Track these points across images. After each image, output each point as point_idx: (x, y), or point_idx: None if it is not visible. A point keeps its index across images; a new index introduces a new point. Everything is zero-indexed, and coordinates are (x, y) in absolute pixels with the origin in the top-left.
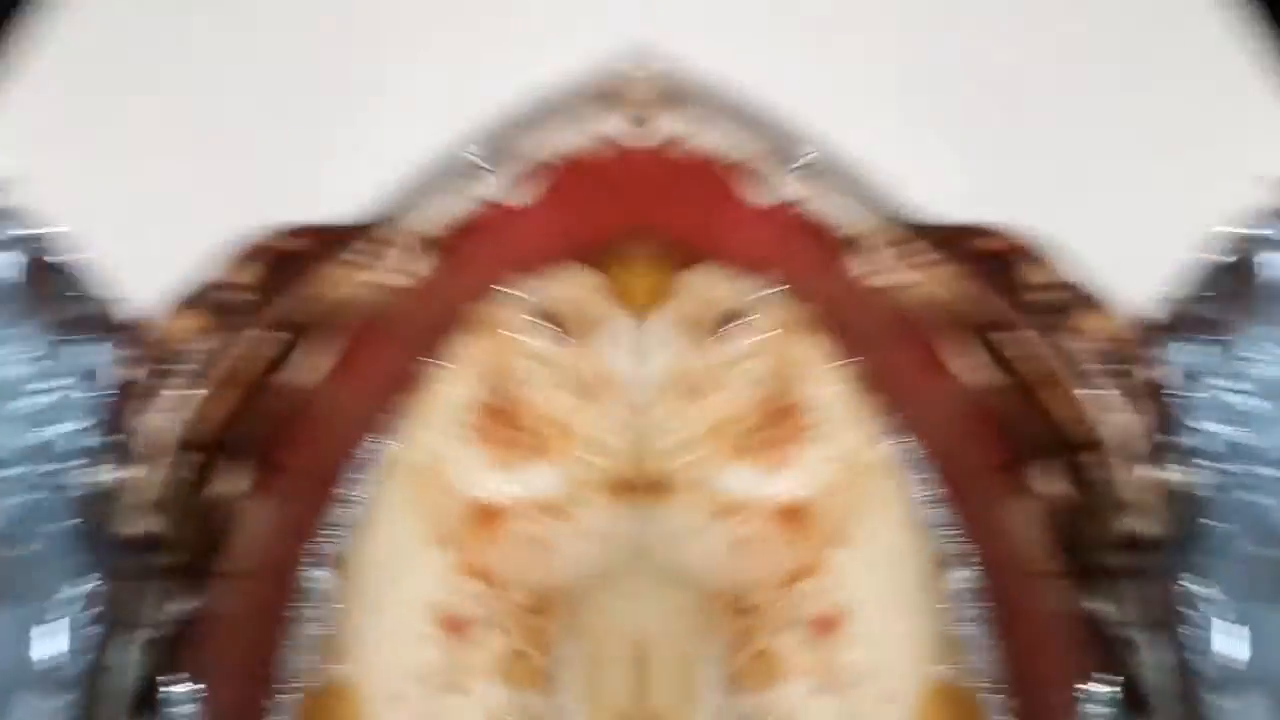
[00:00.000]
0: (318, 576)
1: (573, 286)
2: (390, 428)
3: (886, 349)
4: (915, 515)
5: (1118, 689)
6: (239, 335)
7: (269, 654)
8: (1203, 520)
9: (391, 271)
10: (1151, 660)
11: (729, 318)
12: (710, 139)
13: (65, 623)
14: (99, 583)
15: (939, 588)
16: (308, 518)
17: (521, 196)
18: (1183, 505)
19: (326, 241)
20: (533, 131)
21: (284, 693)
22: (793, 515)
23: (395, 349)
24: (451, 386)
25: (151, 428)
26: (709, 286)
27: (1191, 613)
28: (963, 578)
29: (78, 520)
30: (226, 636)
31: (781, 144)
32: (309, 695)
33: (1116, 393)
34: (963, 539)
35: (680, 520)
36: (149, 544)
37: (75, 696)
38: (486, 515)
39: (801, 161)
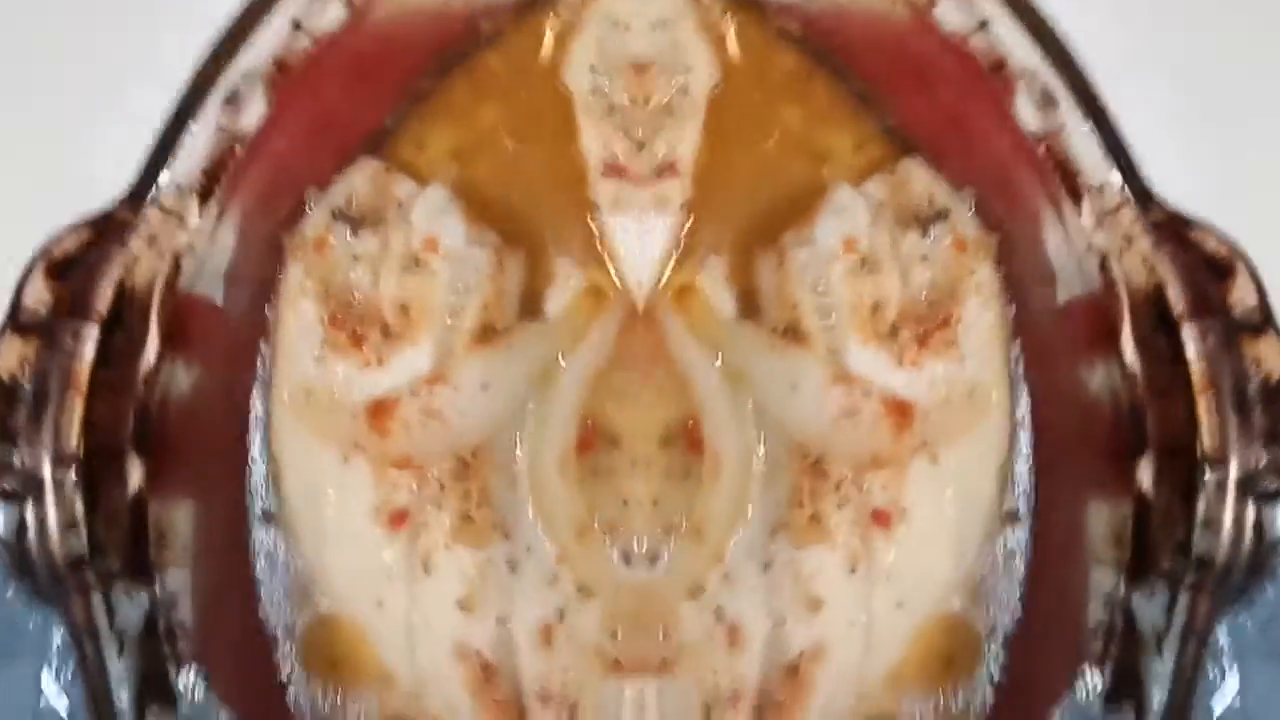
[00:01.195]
0: (260, 538)
1: (364, 177)
2: (254, 380)
3: (1056, 308)
4: (1003, 467)
5: (1109, 681)
6: (67, 343)
7: (248, 620)
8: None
9: (187, 231)
10: (1163, 671)
11: (920, 213)
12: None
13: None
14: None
15: (993, 536)
16: (222, 494)
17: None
18: (1266, 551)
19: (111, 227)
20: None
21: (278, 648)
22: (899, 411)
23: (226, 310)
24: (296, 317)
25: (29, 459)
26: (915, 179)
27: (1219, 645)
28: (1018, 539)
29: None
30: (200, 619)
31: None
32: (302, 641)
33: (1253, 423)
34: (1036, 504)
35: (804, 373)
36: (77, 562)
37: None
38: (379, 412)
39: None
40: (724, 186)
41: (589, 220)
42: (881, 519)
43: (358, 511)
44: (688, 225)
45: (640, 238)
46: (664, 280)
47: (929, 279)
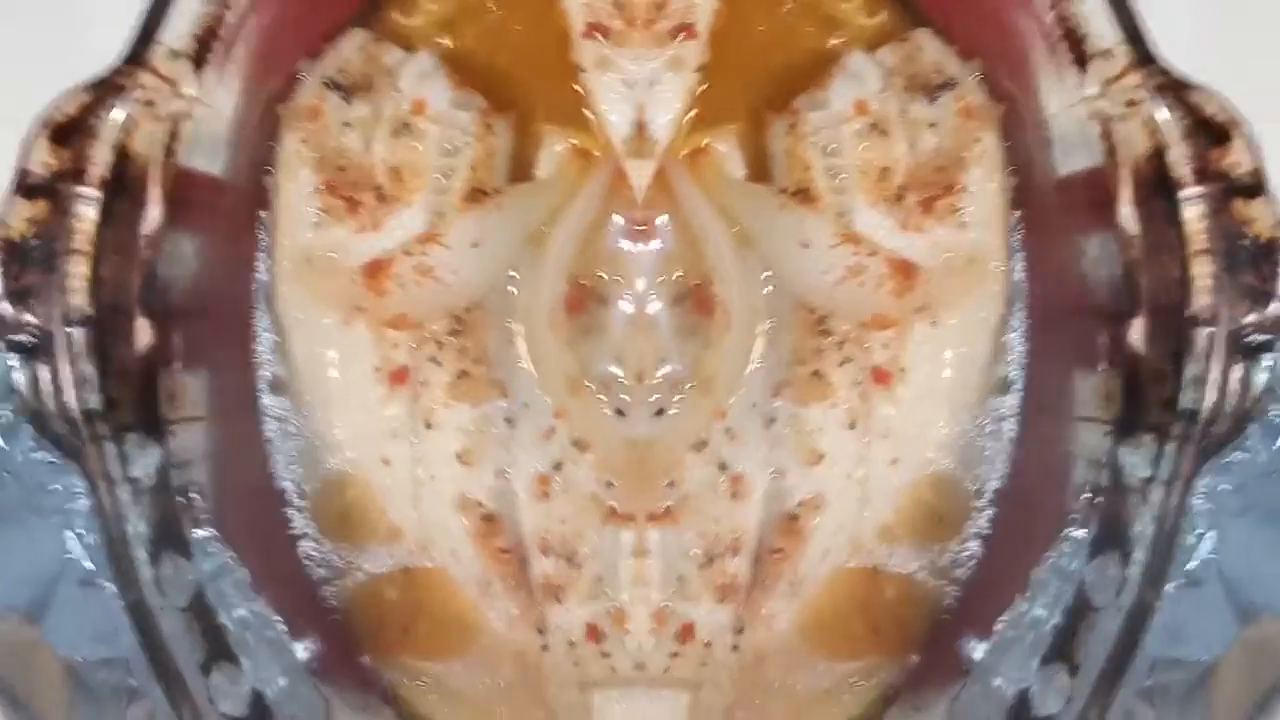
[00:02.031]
0: (269, 403)
1: (354, 46)
2: (256, 249)
3: (1056, 179)
4: (998, 333)
5: (1095, 534)
6: (71, 205)
7: (260, 481)
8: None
9: (183, 97)
10: (1148, 520)
11: (929, 81)
12: None
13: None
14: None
15: (985, 399)
16: (231, 361)
17: None
18: (1250, 403)
19: (108, 91)
20: None
21: (291, 505)
22: (903, 272)
23: (226, 181)
24: (294, 185)
25: (42, 316)
26: (925, 48)
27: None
28: (1009, 403)
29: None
30: (214, 481)
31: None
32: (313, 500)
33: (1241, 283)
34: (1030, 370)
35: (813, 233)
36: (90, 415)
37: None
38: (375, 272)
39: None
40: (740, 50)
41: (573, 82)
42: (881, 378)
43: (360, 372)
44: (703, 88)
45: (632, 98)
46: (677, 141)
47: (935, 145)
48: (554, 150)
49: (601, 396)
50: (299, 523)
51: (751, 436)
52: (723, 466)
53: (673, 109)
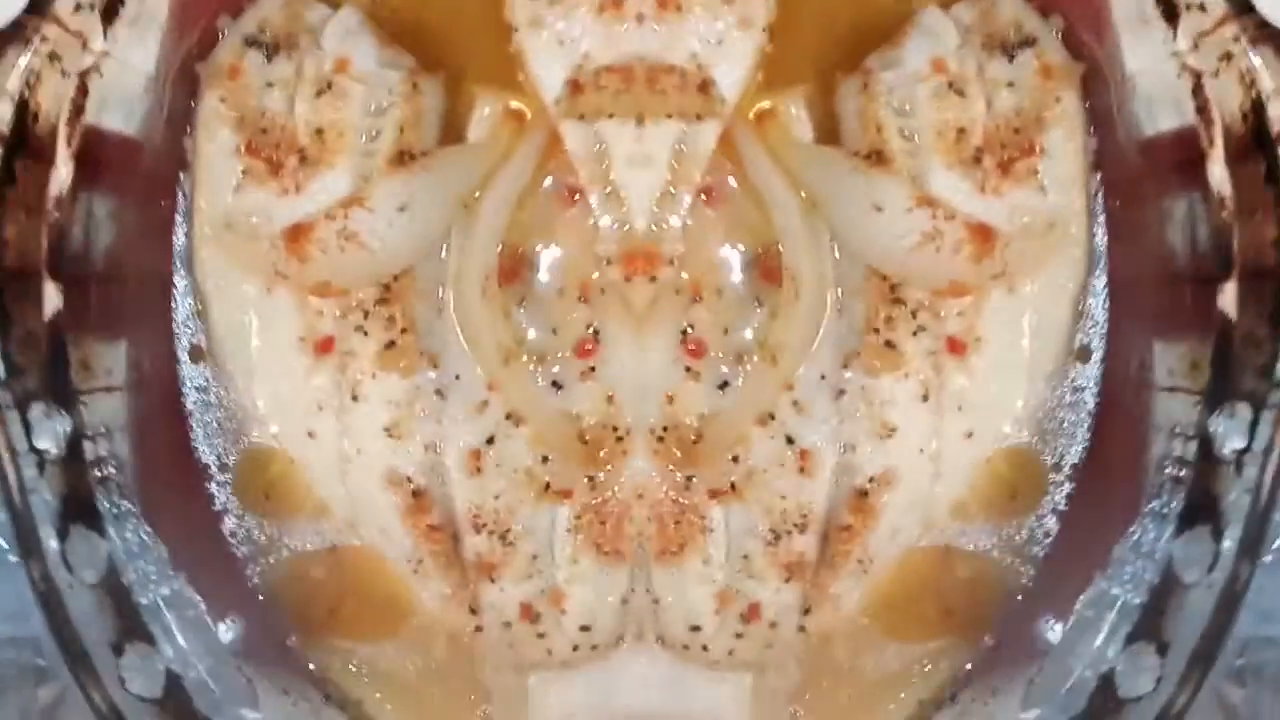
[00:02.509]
0: (189, 373)
1: (276, 3)
2: (174, 212)
3: (1140, 140)
4: (1078, 301)
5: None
6: None
7: (181, 454)
8: None
9: (92, 52)
10: (1242, 492)
11: (1007, 39)
12: None
13: None
14: None
15: (1063, 370)
16: (149, 328)
17: None
18: None
19: (8, 41)
20: None
21: (213, 480)
22: (981, 236)
23: (141, 141)
24: (213, 147)
25: None
26: (1003, 4)
27: None
28: (1088, 373)
29: None
30: (133, 453)
31: None
32: (236, 474)
33: None
34: (1111, 338)
35: (887, 196)
36: None
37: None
38: (297, 237)
39: None
40: (808, 7)
41: (506, 42)
42: (956, 348)
43: (283, 341)
44: (769, 47)
45: (565, 58)
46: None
47: (1014, 106)
48: (486, 112)
49: (537, 368)
50: (221, 498)
51: (820, 409)
52: (790, 440)
53: (741, 68)
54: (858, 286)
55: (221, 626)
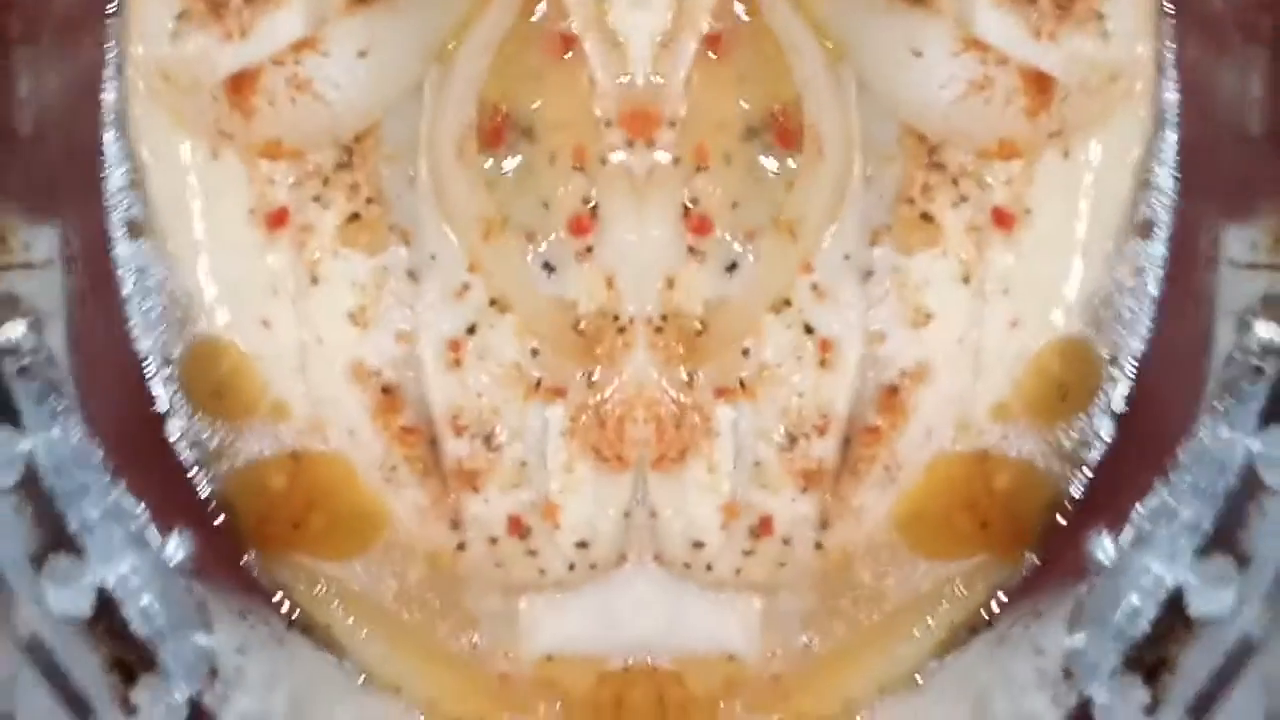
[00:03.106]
0: (126, 252)
1: None
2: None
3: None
4: (1141, 168)
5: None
6: None
7: (119, 345)
8: None
9: None
10: None
11: None
12: None
13: None
14: None
15: (1122, 248)
16: (78, 201)
17: None
18: None
19: None
20: None
21: (156, 375)
22: (1039, 86)
23: None
24: None
25: None
26: None
27: None
28: (1155, 255)
29: None
30: (67, 344)
31: None
32: (181, 369)
33: None
34: (1179, 212)
35: (928, 40)
36: None
37: None
38: (240, 87)
39: None
40: None
41: None
42: (1003, 220)
43: (232, 214)
44: None
45: None
46: None
47: None
48: None
49: (526, 247)
50: (166, 397)
51: (844, 293)
52: (809, 330)
53: None
54: (889, 150)
55: (169, 541)
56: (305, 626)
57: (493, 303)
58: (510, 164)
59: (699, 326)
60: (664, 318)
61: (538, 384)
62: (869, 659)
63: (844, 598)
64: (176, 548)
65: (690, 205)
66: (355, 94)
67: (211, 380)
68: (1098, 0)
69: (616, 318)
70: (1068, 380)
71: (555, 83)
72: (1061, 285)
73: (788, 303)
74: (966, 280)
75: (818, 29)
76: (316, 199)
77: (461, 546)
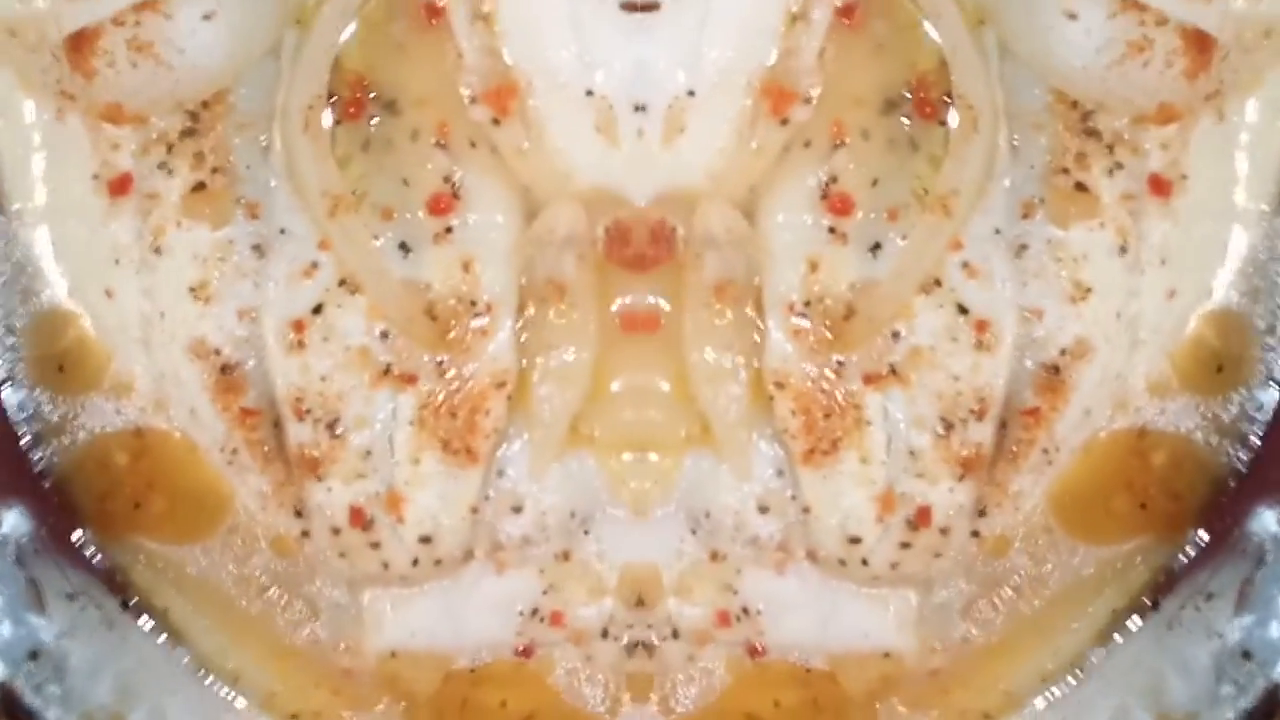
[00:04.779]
0: None
1: None
2: None
3: None
4: None
5: None
6: None
7: None
8: None
9: None
10: None
11: None
12: None
13: None
14: None
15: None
16: None
17: None
18: None
19: None
20: None
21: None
22: (1199, 45)
23: None
24: None
25: None
26: None
27: None
28: None
29: None
30: None
31: None
32: (23, 339)
33: None
34: None
35: (1072, 1)
36: None
37: None
38: (80, 46)
39: None
40: None
41: None
42: (1160, 187)
43: (75, 179)
44: None
45: None
46: None
47: None
48: None
49: (381, 226)
50: (4, 366)
51: (997, 270)
52: (963, 310)
53: None
54: (1038, 117)
55: (6, 517)
56: (141, 611)
57: (342, 283)
58: (368, 138)
59: (845, 311)
60: (807, 303)
61: (386, 369)
62: (1030, 649)
63: (1002, 587)
64: (13, 524)
65: (830, 183)
66: (200, 58)
67: (54, 351)
68: None
69: (473, 303)
70: (1225, 351)
71: (420, 55)
72: (1218, 253)
73: (938, 282)
74: (1123, 251)
75: None
76: (162, 166)
77: (305, 535)
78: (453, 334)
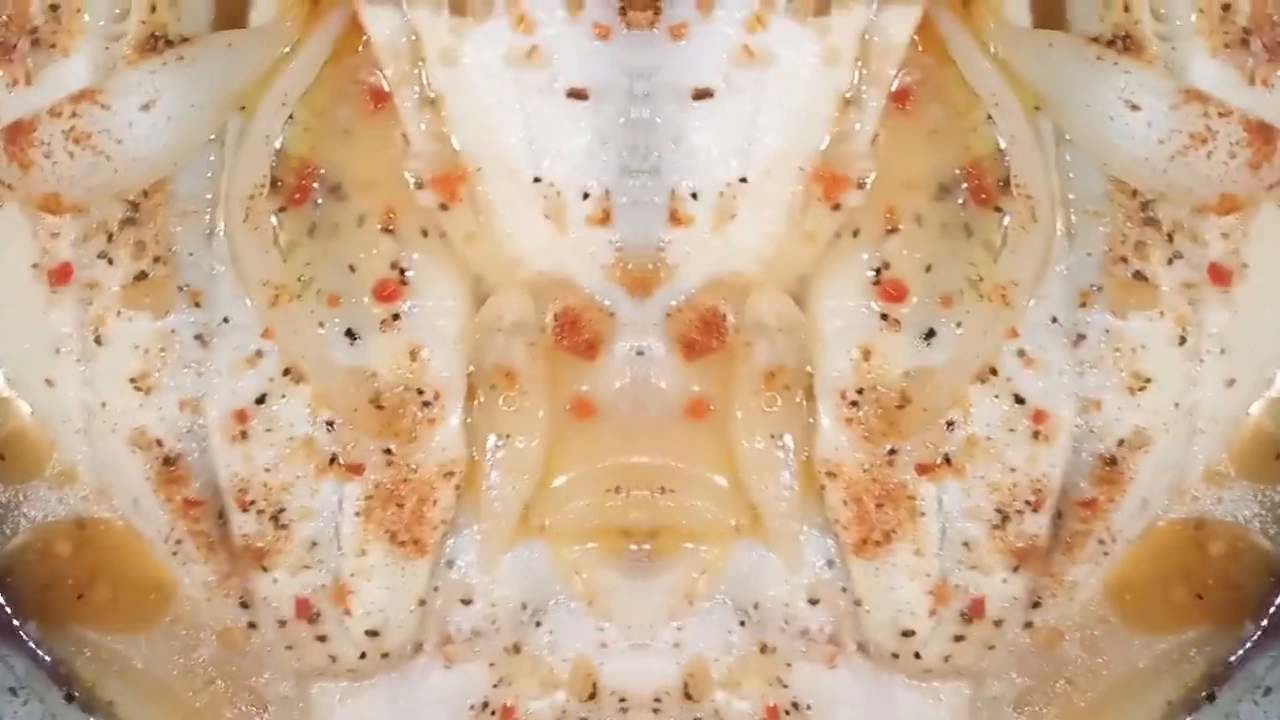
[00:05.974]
0: None
1: None
2: None
3: None
4: None
5: None
6: None
7: None
8: None
9: None
10: None
11: None
12: None
13: None
14: None
15: None
16: None
17: None
18: None
19: None
20: None
21: None
22: (1263, 138)
23: None
24: None
25: None
26: None
27: None
28: None
29: None
30: None
31: None
32: None
33: None
34: None
35: (1141, 92)
36: None
37: None
38: (16, 138)
39: None
40: None
41: None
42: (1220, 277)
43: (14, 268)
44: None
45: None
46: None
47: None
48: None
49: (327, 312)
50: None
51: (1054, 359)
52: (1019, 400)
53: None
54: (1096, 205)
55: None
56: (86, 704)
57: (286, 372)
58: (314, 223)
59: (898, 400)
60: (859, 391)
61: (332, 459)
62: None
63: (1056, 679)
64: None
65: (883, 269)
66: (139, 148)
67: None
68: None
69: (420, 391)
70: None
71: (366, 139)
72: (1277, 341)
73: (994, 371)
74: (1183, 341)
75: (1014, 80)
76: (102, 255)
77: (252, 626)
78: (400, 423)
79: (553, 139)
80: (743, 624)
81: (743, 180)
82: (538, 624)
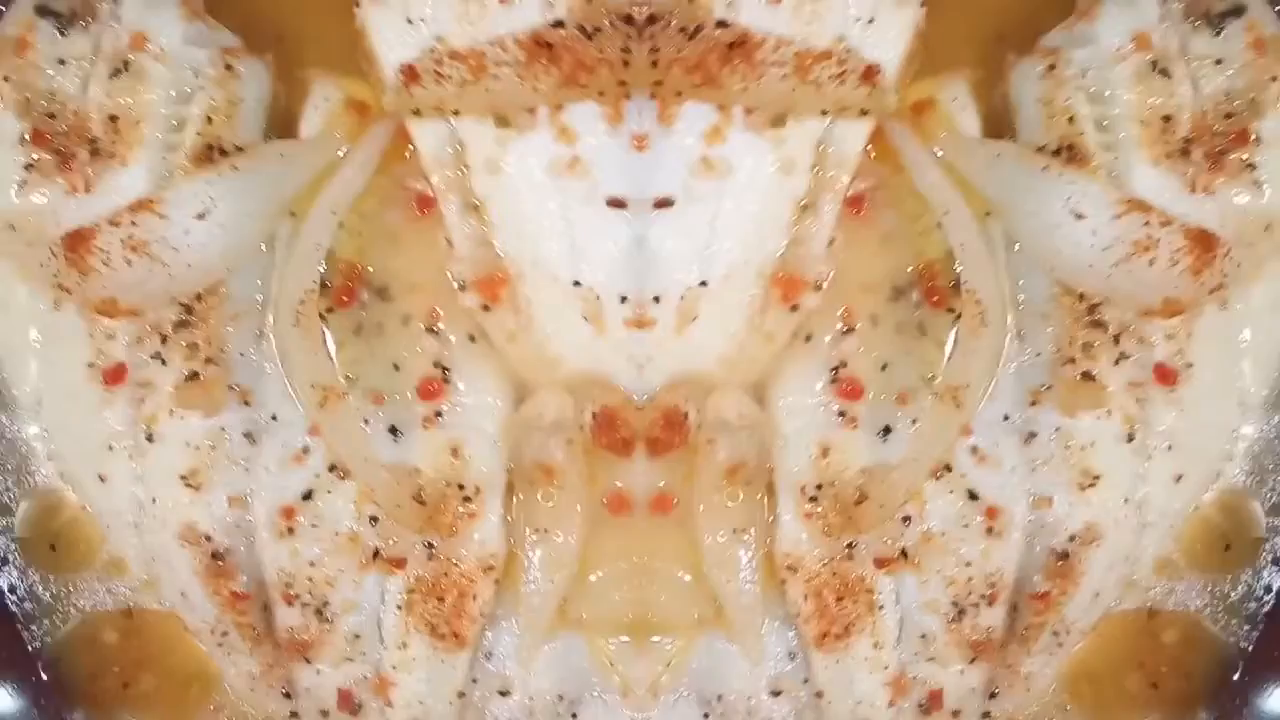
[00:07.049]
0: None
1: None
2: None
3: None
4: None
5: None
6: None
7: None
8: None
9: None
10: None
11: (1210, 8)
12: None
13: None
14: None
15: None
16: None
17: None
18: None
19: None
20: None
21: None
22: (1203, 244)
23: None
24: None
25: None
26: None
27: None
28: None
29: None
30: None
31: None
32: (19, 521)
33: None
34: None
35: (1086, 201)
36: None
37: None
38: (76, 245)
39: None
40: None
41: (350, 17)
42: (1165, 376)
43: (70, 367)
44: (924, 22)
45: (416, 37)
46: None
47: (1224, 87)
48: (324, 101)
49: (373, 411)
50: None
51: (1006, 457)
52: (973, 496)
53: (895, 50)
54: (1044, 307)
55: None
56: None
57: (332, 468)
58: (360, 324)
59: (856, 495)
60: (819, 486)
61: (375, 553)
62: None
63: None
64: (4, 704)
65: (840, 368)
66: (194, 255)
67: (47, 533)
68: (1249, 150)
69: (461, 487)
70: (1230, 532)
71: (412, 243)
72: (1224, 437)
73: (948, 468)
74: (1130, 438)
75: (965, 187)
76: (155, 356)
77: (294, 715)
78: (441, 518)
79: (592, 245)
80: (706, 716)
81: (703, 284)
82: (573, 715)
